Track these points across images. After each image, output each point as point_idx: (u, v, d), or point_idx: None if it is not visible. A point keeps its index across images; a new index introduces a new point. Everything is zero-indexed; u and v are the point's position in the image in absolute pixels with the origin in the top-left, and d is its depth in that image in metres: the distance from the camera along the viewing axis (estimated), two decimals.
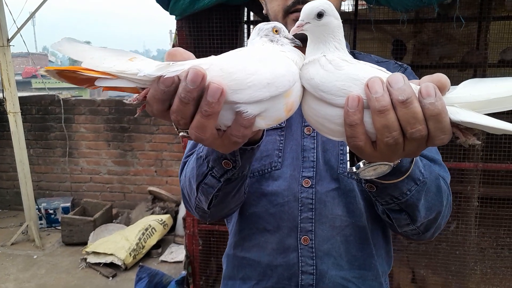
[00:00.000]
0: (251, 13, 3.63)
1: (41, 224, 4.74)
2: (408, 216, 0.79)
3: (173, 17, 2.39)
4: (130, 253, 3.75)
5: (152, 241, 4.03)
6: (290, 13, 0.91)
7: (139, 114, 0.59)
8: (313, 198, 0.91)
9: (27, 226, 4.39)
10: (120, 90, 0.56)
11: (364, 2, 2.84)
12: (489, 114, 0.51)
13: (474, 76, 3.39)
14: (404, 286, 3.09)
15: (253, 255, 0.96)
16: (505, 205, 2.94)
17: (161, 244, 4.17)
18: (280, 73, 0.55)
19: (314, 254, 0.92)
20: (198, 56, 0.56)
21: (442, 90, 0.52)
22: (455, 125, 0.52)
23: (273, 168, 0.93)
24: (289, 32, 0.62)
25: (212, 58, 0.55)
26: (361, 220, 0.93)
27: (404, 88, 0.51)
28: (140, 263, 3.35)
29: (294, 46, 0.63)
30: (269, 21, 1.00)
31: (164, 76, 0.51)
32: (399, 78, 0.51)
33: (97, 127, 5.05)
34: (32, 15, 4.12)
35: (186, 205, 0.95)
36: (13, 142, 4.18)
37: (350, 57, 0.58)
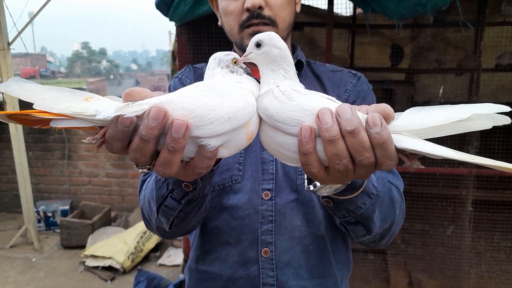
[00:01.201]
0: None
1: (39, 227, 4.74)
2: (364, 228, 0.82)
3: None
4: (128, 257, 3.77)
5: (150, 244, 4.04)
6: (245, 27, 0.93)
7: (96, 152, 0.60)
8: (273, 210, 0.93)
9: (25, 229, 4.39)
10: (77, 128, 0.55)
11: None
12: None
13: (471, 81, 3.42)
14: None
15: (215, 268, 0.97)
16: (499, 209, 2.96)
17: (159, 248, 4.18)
18: (240, 106, 0.56)
19: (274, 266, 0.93)
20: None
21: (387, 119, 0.54)
22: (400, 151, 0.54)
23: (233, 182, 0.94)
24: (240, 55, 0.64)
25: (171, 95, 0.56)
26: (319, 229, 0.95)
27: (351, 119, 0.53)
28: (139, 267, 3.37)
29: (247, 74, 0.65)
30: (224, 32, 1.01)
31: (123, 116, 0.51)
32: (347, 109, 0.53)
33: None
34: (32, 19, 4.13)
35: (147, 225, 0.95)
36: (12, 145, 4.19)
37: (301, 86, 0.62)
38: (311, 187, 0.67)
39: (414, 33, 3.89)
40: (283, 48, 0.62)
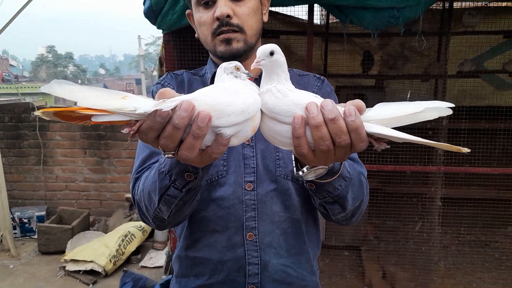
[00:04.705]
0: None
1: (15, 233, 4.67)
2: (340, 206, 0.97)
3: (142, 24, 2.52)
4: (110, 260, 3.79)
5: (132, 247, 4.08)
6: (217, 35, 1.06)
7: (130, 141, 0.71)
8: (255, 199, 1.06)
9: (1, 235, 4.32)
10: (112, 123, 0.66)
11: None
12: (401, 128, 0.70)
13: (436, 86, 3.68)
14: (376, 283, 3.30)
15: (205, 254, 1.09)
16: (464, 205, 3.21)
17: (140, 250, 4.22)
18: (250, 102, 0.71)
19: (258, 247, 1.06)
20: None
21: (360, 111, 0.70)
22: (370, 135, 0.71)
23: (219, 176, 1.06)
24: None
25: (195, 94, 0.69)
26: (296, 214, 1.10)
27: (332, 110, 0.69)
28: (124, 268, 3.40)
29: (249, 79, 0.79)
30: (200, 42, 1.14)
31: (162, 110, 0.64)
32: (329, 102, 0.70)
33: (73, 135, 5.04)
34: (6, 26, 4.10)
35: (142, 217, 1.04)
36: None
37: (293, 87, 0.77)
38: (300, 173, 0.82)
39: (383, 41, 4.13)
40: (284, 56, 0.77)
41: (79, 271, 3.78)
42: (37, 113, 0.61)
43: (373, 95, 4.04)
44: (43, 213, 4.86)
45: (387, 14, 2.04)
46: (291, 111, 0.71)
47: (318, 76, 1.21)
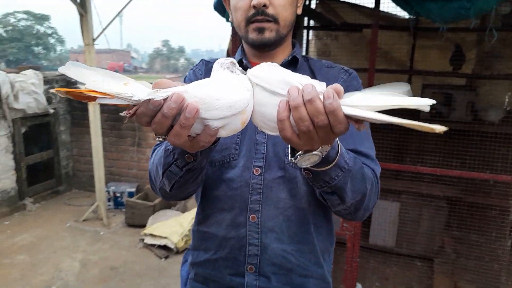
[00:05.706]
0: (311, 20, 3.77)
1: (109, 205, 5.25)
2: (338, 197, 0.94)
3: None
4: (182, 238, 4.06)
5: None
6: (251, 22, 1.07)
7: (126, 121, 0.77)
8: (262, 183, 1.08)
9: (97, 206, 4.90)
10: (115, 105, 0.72)
11: None
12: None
13: None
14: None
15: (212, 229, 1.14)
16: None
17: None
18: (238, 98, 0.73)
19: (259, 230, 1.09)
20: None
21: (339, 94, 0.70)
22: (349, 117, 0.70)
23: (231, 159, 1.10)
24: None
25: (188, 86, 0.73)
26: (301, 202, 1.09)
27: (311, 92, 0.70)
28: (188, 247, 3.62)
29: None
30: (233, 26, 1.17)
31: (154, 99, 0.69)
32: (309, 85, 0.71)
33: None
34: (115, 16, 4.57)
35: (152, 186, 1.13)
36: (90, 130, 4.69)
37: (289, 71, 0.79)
38: (293, 159, 0.82)
39: (479, 37, 3.75)
40: None
41: (155, 245, 4.12)
42: (53, 90, 0.72)
43: (462, 96, 3.70)
44: (134, 189, 5.37)
45: (456, 5, 1.86)
46: (282, 83, 0.74)
47: (346, 69, 1.19)
